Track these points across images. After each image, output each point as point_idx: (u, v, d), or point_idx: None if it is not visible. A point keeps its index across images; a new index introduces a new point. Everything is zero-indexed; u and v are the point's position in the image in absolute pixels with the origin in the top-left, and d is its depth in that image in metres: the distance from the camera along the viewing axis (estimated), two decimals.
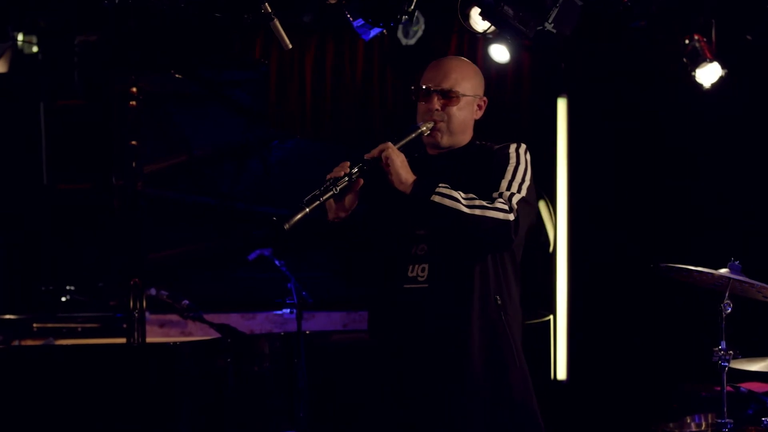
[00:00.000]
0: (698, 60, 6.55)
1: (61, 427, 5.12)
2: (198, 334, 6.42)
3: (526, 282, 7.33)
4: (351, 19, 5.21)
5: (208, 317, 5.91)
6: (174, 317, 6.44)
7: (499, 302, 3.70)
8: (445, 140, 3.80)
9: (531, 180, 3.74)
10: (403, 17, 5.17)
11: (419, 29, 7.53)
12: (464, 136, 3.85)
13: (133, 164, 5.71)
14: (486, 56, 7.04)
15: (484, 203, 3.59)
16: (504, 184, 3.67)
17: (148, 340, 5.78)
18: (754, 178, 7.05)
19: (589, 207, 7.53)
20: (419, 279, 3.69)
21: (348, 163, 3.62)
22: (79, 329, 6.45)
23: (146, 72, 5.92)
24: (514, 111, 7.71)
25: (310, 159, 5.97)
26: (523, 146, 3.82)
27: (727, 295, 4.66)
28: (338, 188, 3.56)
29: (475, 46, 7.56)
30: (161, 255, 6.31)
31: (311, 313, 6.60)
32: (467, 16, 6.03)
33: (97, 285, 6.83)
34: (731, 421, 4.68)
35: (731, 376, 4.77)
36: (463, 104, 3.80)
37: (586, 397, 7.33)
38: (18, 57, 7.27)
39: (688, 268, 4.73)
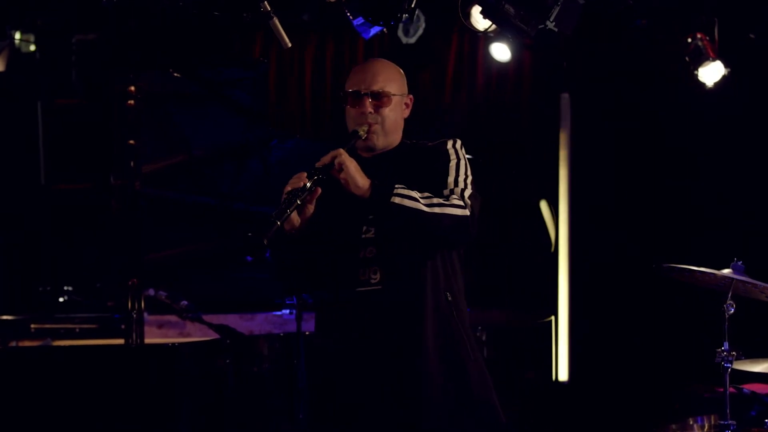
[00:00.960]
0: (701, 59, 6.53)
1: (61, 428, 5.08)
2: (197, 335, 6.38)
3: (527, 283, 7.33)
4: (351, 17, 5.19)
5: (206, 318, 5.87)
6: (172, 318, 6.40)
7: (450, 298, 3.74)
8: (380, 142, 3.82)
9: (471, 173, 3.78)
10: (404, 16, 5.15)
11: (420, 28, 7.50)
12: (396, 136, 3.88)
13: (132, 164, 5.68)
14: (487, 55, 7.02)
15: (442, 201, 3.64)
16: (451, 181, 3.72)
17: (147, 341, 5.74)
18: (755, 177, 7.03)
19: (590, 207, 7.50)
20: (372, 281, 3.71)
21: (305, 174, 3.63)
22: (77, 330, 6.41)
23: (146, 71, 5.89)
24: (515, 110, 7.69)
25: (311, 159, 5.91)
26: (459, 142, 3.85)
27: (730, 295, 4.64)
28: (300, 200, 3.57)
29: (476, 44, 7.54)
30: (160, 255, 6.27)
31: (311, 314, 6.55)
32: (468, 15, 6.01)
33: (95, 285, 6.79)
34: (734, 422, 4.66)
35: (734, 377, 4.75)
36: (394, 104, 3.82)
37: (587, 398, 7.32)
38: (15, 56, 7.24)
39: (690, 268, 4.71)
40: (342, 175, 3.62)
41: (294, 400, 5.74)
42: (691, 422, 5.23)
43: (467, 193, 3.69)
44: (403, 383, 3.66)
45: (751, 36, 6.65)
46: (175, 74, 5.94)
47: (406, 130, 3.94)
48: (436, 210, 3.60)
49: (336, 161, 3.62)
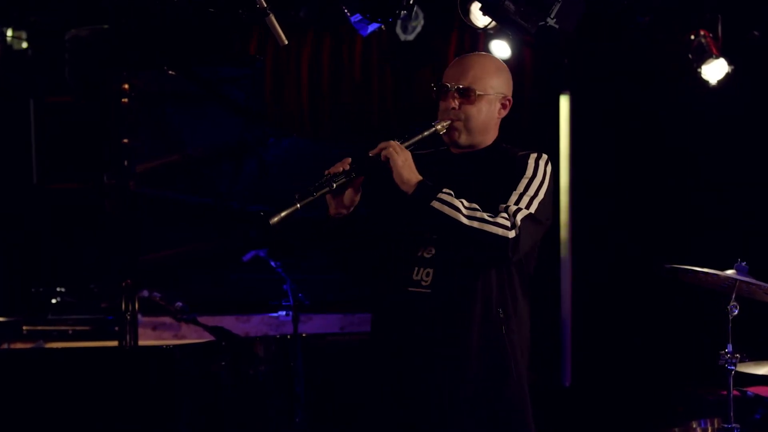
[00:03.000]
0: (704, 56, 6.47)
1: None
2: (191, 336, 6.35)
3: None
4: (348, 14, 5.12)
5: (201, 319, 5.83)
6: (167, 319, 6.37)
7: (502, 315, 3.60)
8: (463, 139, 3.70)
9: (546, 195, 3.61)
10: (402, 12, 5.08)
11: (418, 25, 7.43)
12: (486, 137, 3.75)
13: (126, 163, 5.61)
14: (487, 52, 6.94)
15: (485, 216, 3.48)
16: (513, 197, 3.56)
17: (141, 342, 5.69)
18: (758, 177, 6.97)
19: (593, 207, 7.45)
20: (423, 283, 3.60)
21: (350, 159, 3.53)
22: (70, 332, 6.37)
23: (142, 70, 5.84)
24: (515, 109, 7.59)
25: (309, 157, 5.90)
26: (544, 157, 3.71)
27: (733, 296, 4.58)
28: (335, 185, 3.48)
29: (475, 42, 7.48)
30: (155, 256, 6.22)
31: (308, 316, 6.52)
32: (467, 11, 5.93)
33: (89, 287, 6.74)
34: (738, 426, 4.61)
35: (738, 379, 4.69)
36: (483, 104, 3.70)
37: (590, 401, 7.27)
38: (7, 53, 7.18)
39: (693, 269, 4.66)
40: (392, 166, 3.52)
41: (291, 404, 5.70)
42: (694, 425, 5.17)
43: (522, 214, 3.50)
44: (441, 389, 3.57)
45: (755, 33, 6.58)
46: (170, 72, 5.88)
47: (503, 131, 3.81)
48: (475, 225, 3.46)
49: (383, 153, 3.53)
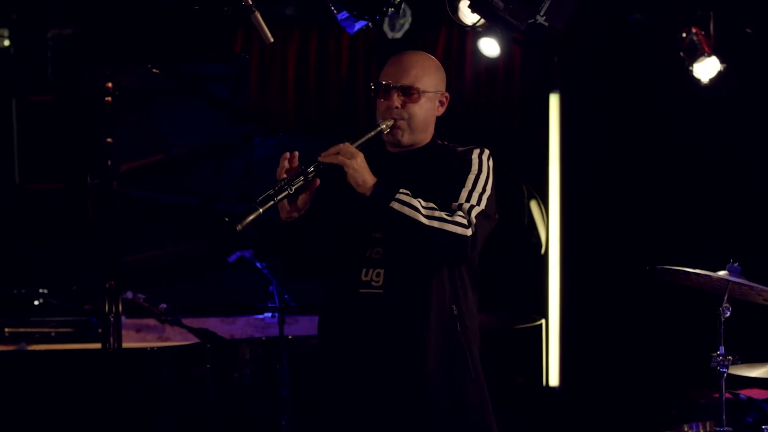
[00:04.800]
0: (696, 54, 6.44)
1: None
2: (176, 339, 6.30)
3: (516, 285, 7.24)
4: (335, 11, 5.06)
5: (186, 321, 5.76)
6: (151, 321, 6.31)
7: (455, 312, 3.61)
8: (405, 138, 3.69)
9: (492, 189, 3.63)
10: (390, 10, 5.02)
11: (406, 22, 7.38)
12: (425, 134, 3.74)
13: (109, 163, 5.55)
14: (475, 50, 6.93)
15: (444, 215, 3.48)
16: (464, 194, 3.57)
17: (125, 345, 5.65)
18: (751, 177, 6.94)
19: (583, 207, 7.41)
20: (374, 284, 3.59)
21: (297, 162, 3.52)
22: (53, 334, 6.32)
23: (124, 67, 5.78)
24: (505, 107, 7.58)
25: None
26: (487, 152, 3.70)
27: (725, 298, 4.54)
28: (293, 188, 3.44)
29: (464, 39, 7.45)
30: (139, 257, 6.16)
31: (294, 318, 6.45)
32: (456, 9, 5.89)
33: (71, 288, 6.67)
34: (730, 429, 4.59)
35: (730, 382, 4.68)
36: (424, 101, 3.69)
37: (579, 404, 7.26)
38: None
39: (685, 270, 4.63)
40: (347, 169, 3.48)
41: (277, 407, 5.65)
42: (686, 429, 5.16)
43: (476, 211, 3.52)
44: (399, 394, 3.55)
45: (748, 30, 6.55)
46: (154, 70, 5.82)
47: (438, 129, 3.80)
48: (435, 224, 3.45)
49: (338, 157, 3.48)
